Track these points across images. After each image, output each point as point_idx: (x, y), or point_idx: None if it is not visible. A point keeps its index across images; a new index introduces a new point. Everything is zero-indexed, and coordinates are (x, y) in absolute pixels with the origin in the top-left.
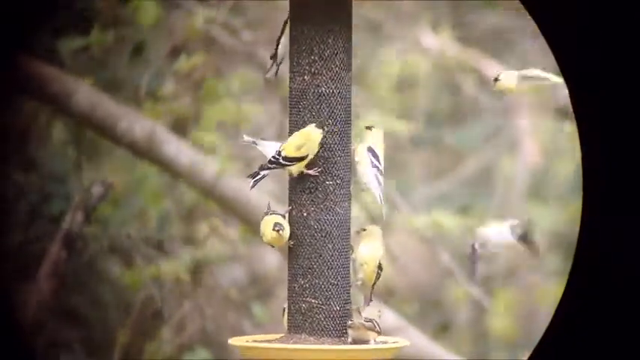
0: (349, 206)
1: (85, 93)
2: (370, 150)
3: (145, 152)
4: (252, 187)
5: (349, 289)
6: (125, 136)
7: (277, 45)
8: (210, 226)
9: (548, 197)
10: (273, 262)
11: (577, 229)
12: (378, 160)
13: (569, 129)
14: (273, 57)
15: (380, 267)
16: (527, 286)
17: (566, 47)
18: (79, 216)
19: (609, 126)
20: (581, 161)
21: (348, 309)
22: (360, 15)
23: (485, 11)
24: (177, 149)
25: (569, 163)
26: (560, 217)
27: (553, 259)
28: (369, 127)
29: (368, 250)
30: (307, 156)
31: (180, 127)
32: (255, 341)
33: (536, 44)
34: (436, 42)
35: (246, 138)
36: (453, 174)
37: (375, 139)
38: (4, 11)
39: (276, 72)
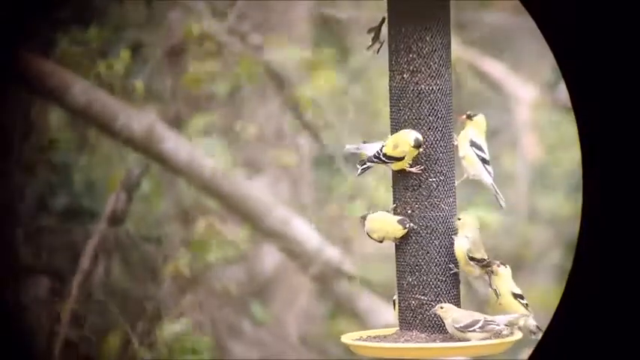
0: (454, 202)
1: (82, 88)
2: (473, 144)
3: (144, 148)
4: (360, 174)
5: (459, 285)
6: (123, 132)
7: (381, 22)
8: (207, 224)
9: (550, 191)
10: (272, 261)
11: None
12: (483, 151)
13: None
14: (375, 33)
15: (472, 259)
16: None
17: (566, 47)
18: (122, 195)
19: (609, 125)
20: (581, 161)
21: (459, 304)
22: (356, 15)
23: (485, 9)
24: (175, 145)
25: (571, 157)
26: (562, 211)
27: (555, 253)
28: (469, 117)
29: (456, 243)
30: (404, 157)
31: (179, 124)
32: (369, 337)
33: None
34: None
35: (348, 147)
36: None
37: (476, 128)
38: (2, 6)
39: (379, 49)
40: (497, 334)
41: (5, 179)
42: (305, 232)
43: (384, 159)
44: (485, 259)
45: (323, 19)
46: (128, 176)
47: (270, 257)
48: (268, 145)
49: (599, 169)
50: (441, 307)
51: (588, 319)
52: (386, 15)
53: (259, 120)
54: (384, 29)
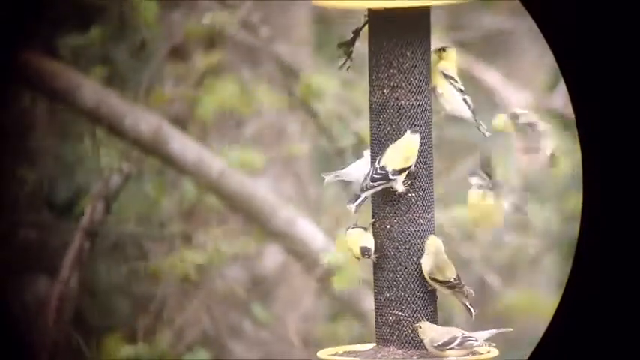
0: (432, 218)
1: (89, 88)
2: (447, 76)
3: (151, 148)
4: (356, 211)
5: (436, 301)
6: (131, 132)
7: (354, 38)
8: (210, 224)
9: (545, 196)
10: (274, 261)
11: (576, 227)
12: (457, 82)
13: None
14: (347, 50)
15: (434, 279)
16: (528, 285)
17: (566, 47)
18: (99, 206)
19: (609, 126)
20: (582, 163)
21: (436, 321)
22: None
23: (480, 13)
24: (182, 145)
25: (566, 165)
26: (558, 215)
27: (552, 257)
28: (442, 49)
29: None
30: (411, 165)
31: (183, 123)
32: (345, 352)
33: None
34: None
35: (327, 178)
36: (450, 174)
37: (447, 62)
38: (6, 6)
39: (349, 66)
40: (475, 352)
41: (5, 179)
42: (310, 232)
43: (392, 177)
44: (449, 281)
45: (325, 16)
46: (105, 185)
47: (272, 257)
48: (274, 142)
49: (599, 170)
50: (420, 327)
51: (588, 319)
52: (357, 29)
53: (265, 116)
54: (358, 45)
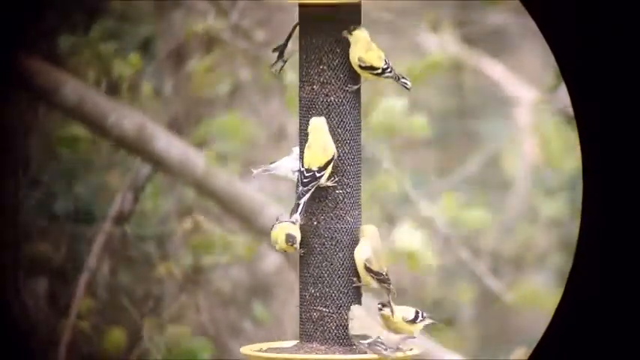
0: (359, 215)
1: (73, 86)
2: (364, 68)
3: (135, 146)
4: (302, 220)
5: (360, 298)
6: (114, 130)
7: (287, 40)
8: (206, 223)
9: (550, 194)
10: (274, 261)
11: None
12: (374, 68)
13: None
14: (280, 51)
15: (368, 269)
16: (528, 284)
17: (566, 47)
18: (129, 195)
19: (609, 125)
20: (582, 162)
21: None
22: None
23: (487, 10)
24: (167, 144)
25: (572, 160)
26: (562, 213)
27: (556, 255)
28: (349, 32)
29: (356, 250)
30: (334, 155)
31: (178, 125)
32: (269, 349)
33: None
34: (437, 41)
35: (256, 172)
36: (456, 171)
37: (359, 45)
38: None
39: (281, 68)
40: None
41: (8, 179)
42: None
43: (319, 175)
44: (381, 274)
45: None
46: (135, 177)
47: (271, 257)
48: (269, 144)
49: (599, 169)
50: (352, 314)
51: (588, 319)
52: (291, 32)
53: (261, 118)
54: (290, 46)
